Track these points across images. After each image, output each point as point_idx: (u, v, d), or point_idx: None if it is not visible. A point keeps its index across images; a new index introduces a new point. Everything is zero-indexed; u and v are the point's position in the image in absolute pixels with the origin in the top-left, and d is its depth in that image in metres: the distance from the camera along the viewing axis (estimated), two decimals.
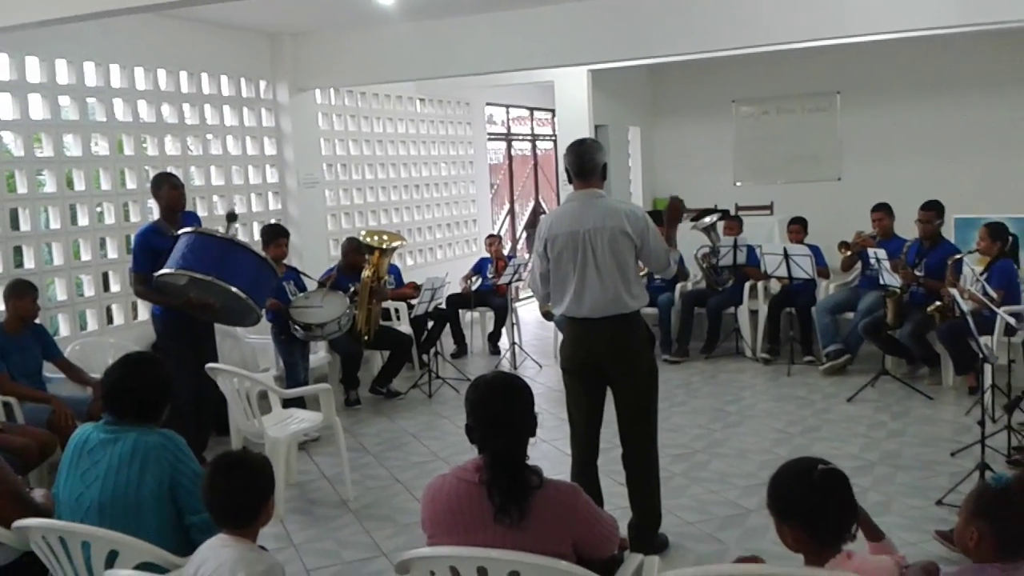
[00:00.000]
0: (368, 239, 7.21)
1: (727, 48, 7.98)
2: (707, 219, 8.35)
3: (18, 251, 6.03)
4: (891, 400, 6.45)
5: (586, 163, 3.97)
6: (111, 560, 2.76)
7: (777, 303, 7.86)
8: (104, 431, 2.98)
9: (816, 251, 7.56)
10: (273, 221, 7.49)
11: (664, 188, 13.21)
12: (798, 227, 8.01)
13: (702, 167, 12.80)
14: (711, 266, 8.16)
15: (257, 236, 7.06)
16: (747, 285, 8.07)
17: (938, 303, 6.41)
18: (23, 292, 5.24)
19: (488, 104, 11.80)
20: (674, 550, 4.15)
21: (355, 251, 7.19)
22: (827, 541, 2.18)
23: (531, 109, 13.00)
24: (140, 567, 2.72)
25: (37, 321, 5.38)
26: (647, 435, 4.08)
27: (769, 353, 7.91)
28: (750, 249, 8.04)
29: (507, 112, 12.61)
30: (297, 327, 6.32)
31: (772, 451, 5.51)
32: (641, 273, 4.08)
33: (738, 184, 12.73)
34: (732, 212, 9.95)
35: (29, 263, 6.06)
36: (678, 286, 8.22)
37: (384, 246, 7.14)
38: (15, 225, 6.02)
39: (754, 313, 8.08)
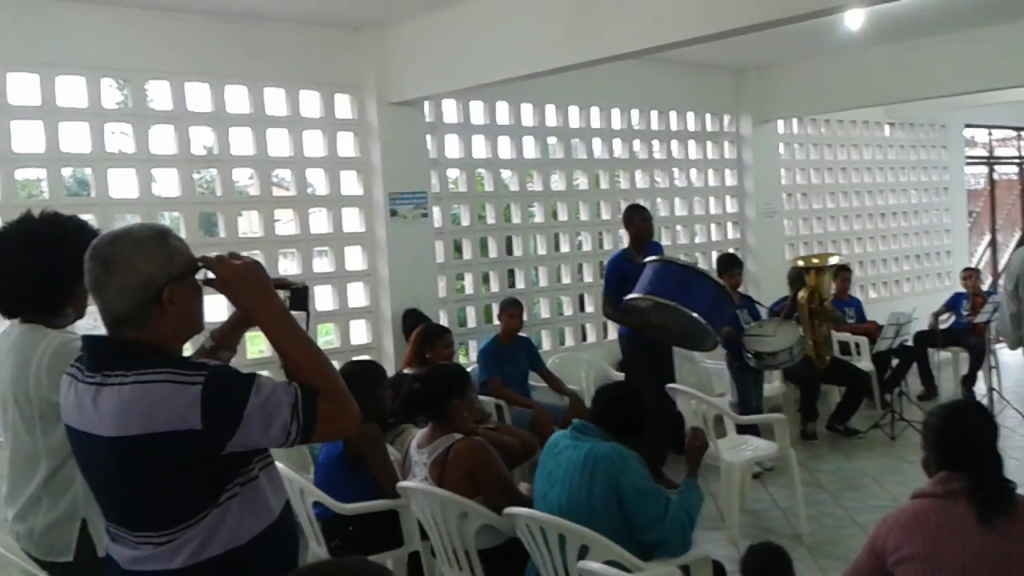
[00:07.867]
0: (801, 263, 7.09)
1: None
2: None
3: (511, 273, 6.91)
4: None
5: None
6: (581, 554, 2.99)
7: None
8: (570, 438, 3.30)
9: None
10: (731, 251, 7.62)
11: None
12: None
13: None
14: None
15: (714, 264, 7.27)
16: None
17: None
18: (513, 308, 5.98)
19: (967, 126, 10.80)
20: None
21: (797, 279, 7.04)
22: None
23: (1019, 129, 11.63)
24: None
25: (524, 335, 6.08)
26: None
27: None
28: None
29: (989, 133, 11.44)
30: (750, 355, 6.37)
31: None
32: None
33: None
34: None
35: (519, 284, 6.91)
36: None
37: (818, 264, 6.94)
38: (509, 251, 6.93)
39: None
